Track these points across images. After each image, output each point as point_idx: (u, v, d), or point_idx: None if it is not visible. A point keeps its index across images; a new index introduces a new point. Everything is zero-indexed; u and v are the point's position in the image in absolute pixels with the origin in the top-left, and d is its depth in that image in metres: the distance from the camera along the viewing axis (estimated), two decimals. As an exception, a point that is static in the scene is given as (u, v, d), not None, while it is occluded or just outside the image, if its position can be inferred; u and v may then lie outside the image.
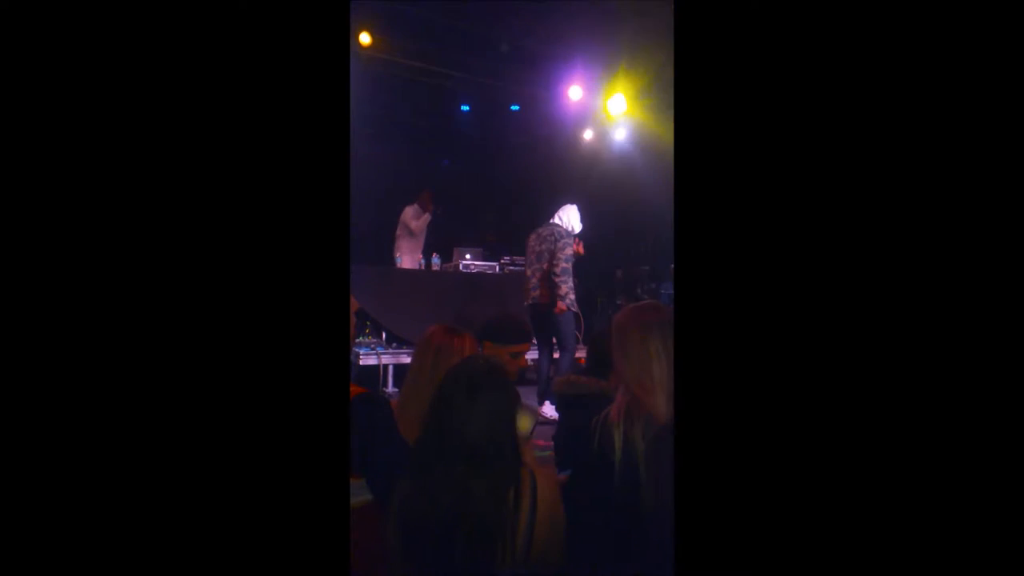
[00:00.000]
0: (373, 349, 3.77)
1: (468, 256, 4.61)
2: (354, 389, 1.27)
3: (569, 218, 3.61)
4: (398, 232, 4.91)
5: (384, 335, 4.04)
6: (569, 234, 3.53)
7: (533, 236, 3.62)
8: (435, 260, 4.60)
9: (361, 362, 3.68)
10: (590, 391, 1.50)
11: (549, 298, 3.44)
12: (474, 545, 0.96)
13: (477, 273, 4.57)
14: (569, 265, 3.46)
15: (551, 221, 3.60)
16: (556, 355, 3.61)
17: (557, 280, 3.41)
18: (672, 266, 4.28)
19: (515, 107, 5.96)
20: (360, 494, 1.27)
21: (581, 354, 4.56)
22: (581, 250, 3.63)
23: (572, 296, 3.48)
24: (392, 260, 4.67)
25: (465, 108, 5.82)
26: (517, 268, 4.78)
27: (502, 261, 4.87)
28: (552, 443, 1.83)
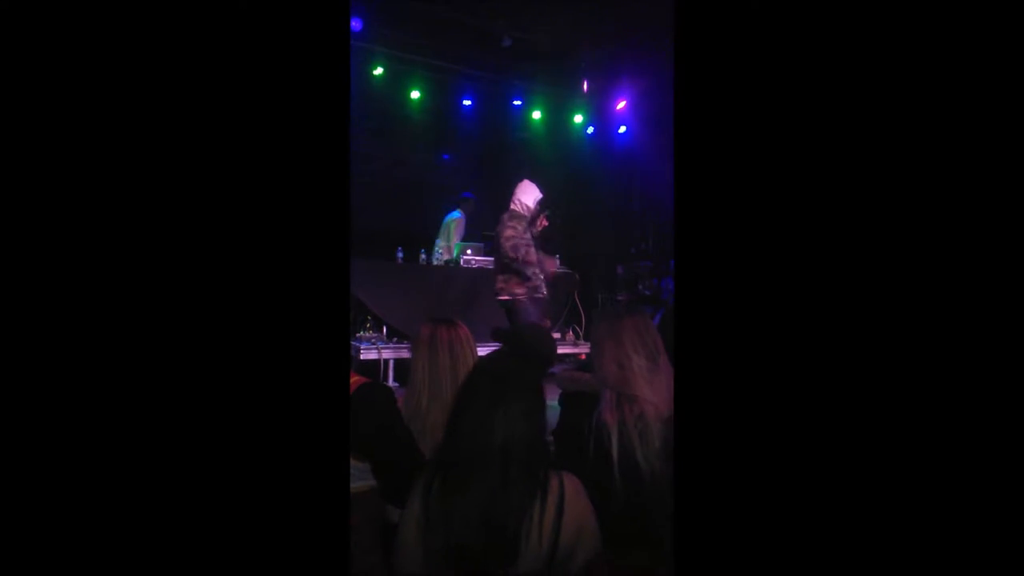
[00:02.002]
0: (374, 343, 3.78)
1: (469, 251, 4.61)
2: (358, 378, 1.28)
3: (520, 199, 3.25)
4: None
5: (385, 329, 4.04)
6: (516, 215, 3.21)
7: (499, 225, 3.29)
8: (436, 253, 4.60)
9: (362, 356, 3.68)
10: (592, 387, 1.50)
11: (515, 293, 3.19)
12: (498, 545, 0.95)
13: (478, 268, 4.57)
14: (517, 254, 3.11)
15: (511, 205, 3.27)
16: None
17: (503, 271, 3.17)
18: (673, 262, 4.26)
19: (518, 101, 5.94)
20: (363, 478, 1.28)
21: (574, 349, 4.56)
22: (544, 223, 3.24)
23: (507, 286, 3.17)
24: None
25: (467, 102, 5.80)
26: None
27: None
28: (552, 438, 1.84)
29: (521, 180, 3.37)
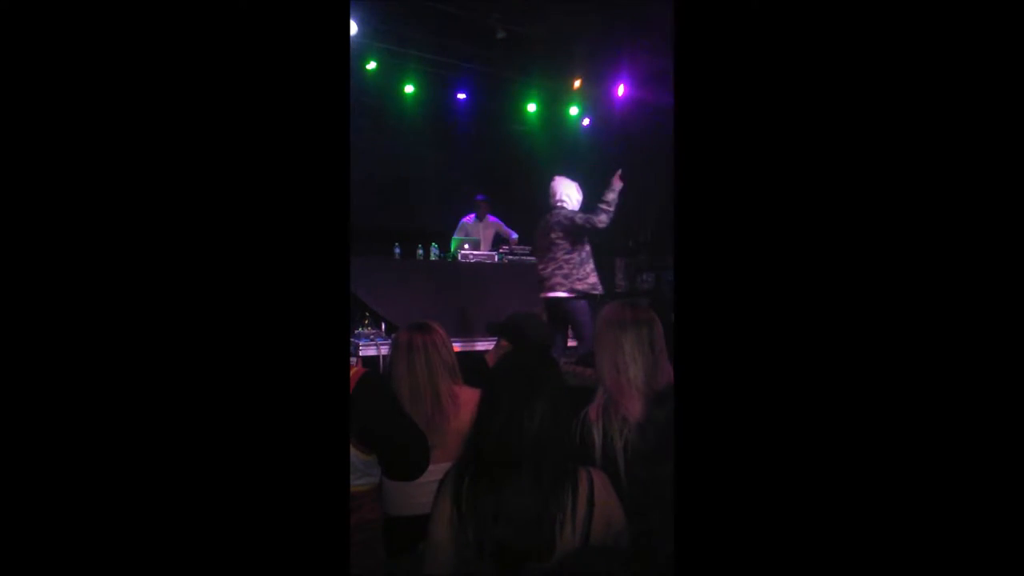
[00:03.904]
0: (373, 340, 3.77)
1: (467, 246, 4.60)
2: (356, 369, 1.29)
3: (569, 194, 3.36)
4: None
5: (384, 326, 4.03)
6: (576, 214, 3.28)
7: (542, 224, 3.37)
8: (434, 249, 4.59)
9: (361, 352, 3.68)
10: (592, 383, 1.50)
11: (567, 288, 3.23)
12: (533, 540, 0.95)
13: (476, 263, 4.56)
14: (586, 247, 3.23)
15: (555, 203, 3.35)
16: (572, 343, 3.48)
17: (575, 267, 3.23)
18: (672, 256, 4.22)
19: (512, 94, 5.90)
20: (367, 474, 1.29)
21: (572, 342, 4.55)
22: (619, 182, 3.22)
23: (592, 280, 3.27)
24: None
25: (462, 96, 5.77)
26: (515, 258, 4.77)
27: (501, 251, 4.86)
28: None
29: (561, 177, 3.42)
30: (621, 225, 5.80)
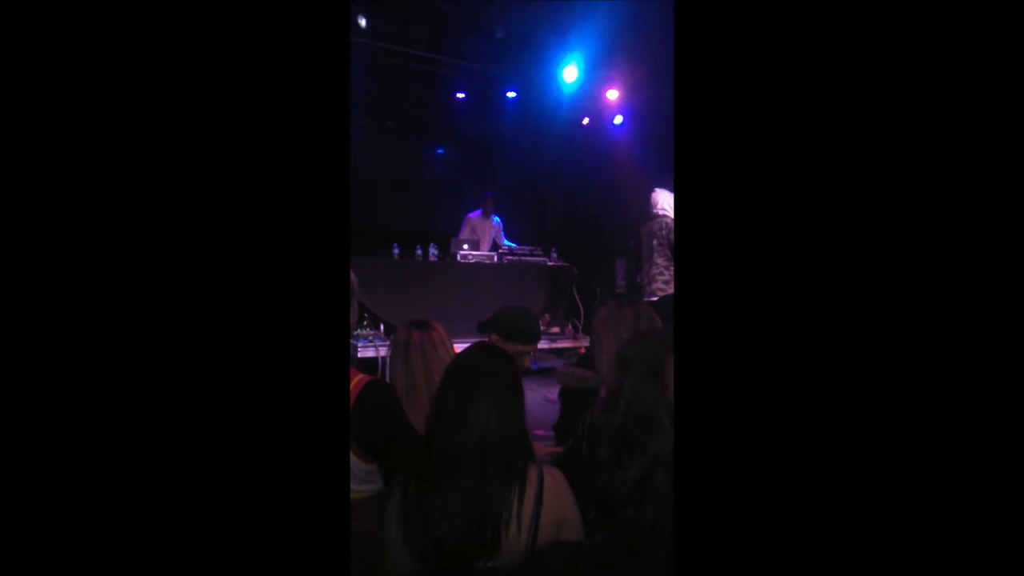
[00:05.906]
0: (371, 341, 3.76)
1: (466, 246, 4.59)
2: (361, 376, 1.28)
3: (669, 203, 3.61)
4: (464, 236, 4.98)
5: (382, 327, 4.02)
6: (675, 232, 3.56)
7: (645, 229, 3.67)
8: (432, 249, 4.58)
9: (359, 354, 3.67)
10: (592, 384, 1.49)
11: (667, 294, 3.50)
12: (477, 538, 0.94)
13: (475, 263, 4.55)
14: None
15: (657, 211, 3.62)
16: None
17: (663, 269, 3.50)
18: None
19: (512, 93, 5.90)
20: (370, 481, 1.27)
21: (573, 343, 4.55)
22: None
23: (667, 286, 3.55)
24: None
25: (461, 95, 5.76)
26: (514, 258, 4.77)
27: (500, 251, 4.86)
28: (553, 432, 1.84)
29: (654, 190, 3.70)
30: (621, 225, 5.82)
